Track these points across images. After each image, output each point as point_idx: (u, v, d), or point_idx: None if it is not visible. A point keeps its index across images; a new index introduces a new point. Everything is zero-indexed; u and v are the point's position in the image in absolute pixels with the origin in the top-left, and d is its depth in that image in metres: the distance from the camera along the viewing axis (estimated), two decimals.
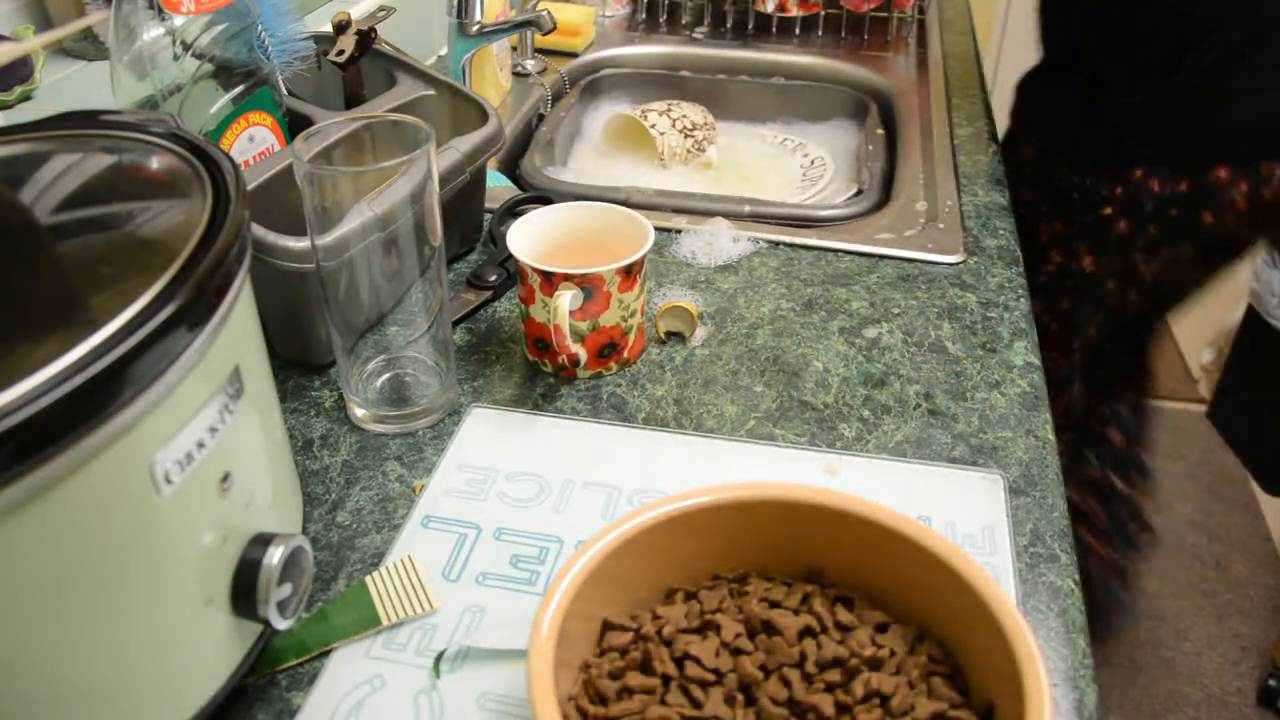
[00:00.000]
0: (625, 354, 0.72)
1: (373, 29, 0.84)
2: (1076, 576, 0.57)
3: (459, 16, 1.05)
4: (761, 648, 0.46)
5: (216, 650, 0.44)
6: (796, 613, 0.47)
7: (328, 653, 0.52)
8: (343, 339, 0.64)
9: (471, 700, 0.49)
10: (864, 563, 0.49)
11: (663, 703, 0.44)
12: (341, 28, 0.83)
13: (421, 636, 0.53)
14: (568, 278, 0.66)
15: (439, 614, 0.54)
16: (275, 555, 0.44)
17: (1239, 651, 1.68)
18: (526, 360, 0.73)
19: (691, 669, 0.44)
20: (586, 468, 0.64)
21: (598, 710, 0.43)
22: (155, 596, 0.40)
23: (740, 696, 0.44)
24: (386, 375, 0.68)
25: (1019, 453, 0.65)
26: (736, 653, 0.46)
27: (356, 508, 0.61)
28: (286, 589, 0.46)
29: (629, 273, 0.68)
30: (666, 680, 0.45)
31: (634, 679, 0.45)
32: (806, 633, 0.46)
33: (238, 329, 0.43)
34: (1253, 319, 2.04)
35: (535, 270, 0.67)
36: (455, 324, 0.77)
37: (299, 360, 0.72)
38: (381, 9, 0.88)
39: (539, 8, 1.07)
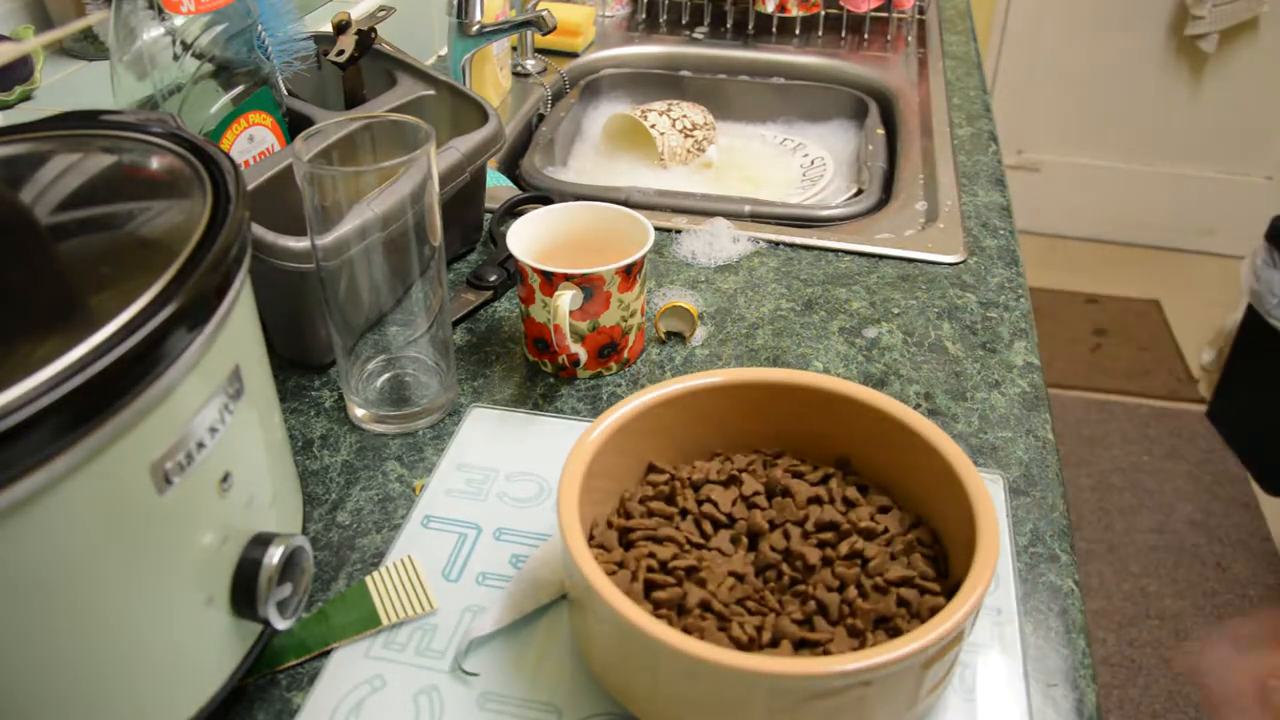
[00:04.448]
0: (625, 354, 0.72)
1: (373, 29, 0.84)
2: (1077, 576, 0.57)
3: (459, 16, 1.05)
4: (775, 507, 0.53)
5: (216, 650, 0.44)
6: (814, 486, 0.54)
7: (328, 653, 0.52)
8: (343, 339, 0.64)
9: (472, 700, 0.49)
10: (882, 454, 0.55)
11: (675, 529, 0.52)
12: (341, 28, 0.83)
13: (422, 636, 0.53)
14: (568, 278, 0.66)
15: (439, 614, 0.54)
16: (275, 555, 0.44)
17: None
18: (526, 360, 0.73)
19: (709, 509, 0.52)
20: None
21: (620, 522, 0.52)
22: (155, 596, 0.40)
23: (745, 541, 0.51)
24: (386, 375, 0.68)
25: (1019, 453, 0.65)
26: (752, 507, 0.53)
27: (356, 508, 0.61)
28: (286, 589, 0.46)
29: (629, 273, 0.67)
30: (685, 514, 0.53)
31: (656, 506, 0.53)
32: (815, 500, 0.53)
33: (238, 329, 0.43)
34: (1253, 319, 2.04)
35: (535, 270, 0.67)
36: (455, 324, 0.77)
37: (299, 360, 0.72)
38: (381, 9, 0.88)
39: (539, 8, 1.07)
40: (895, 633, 0.46)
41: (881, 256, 0.87)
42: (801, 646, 0.46)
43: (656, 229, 0.84)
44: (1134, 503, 1.97)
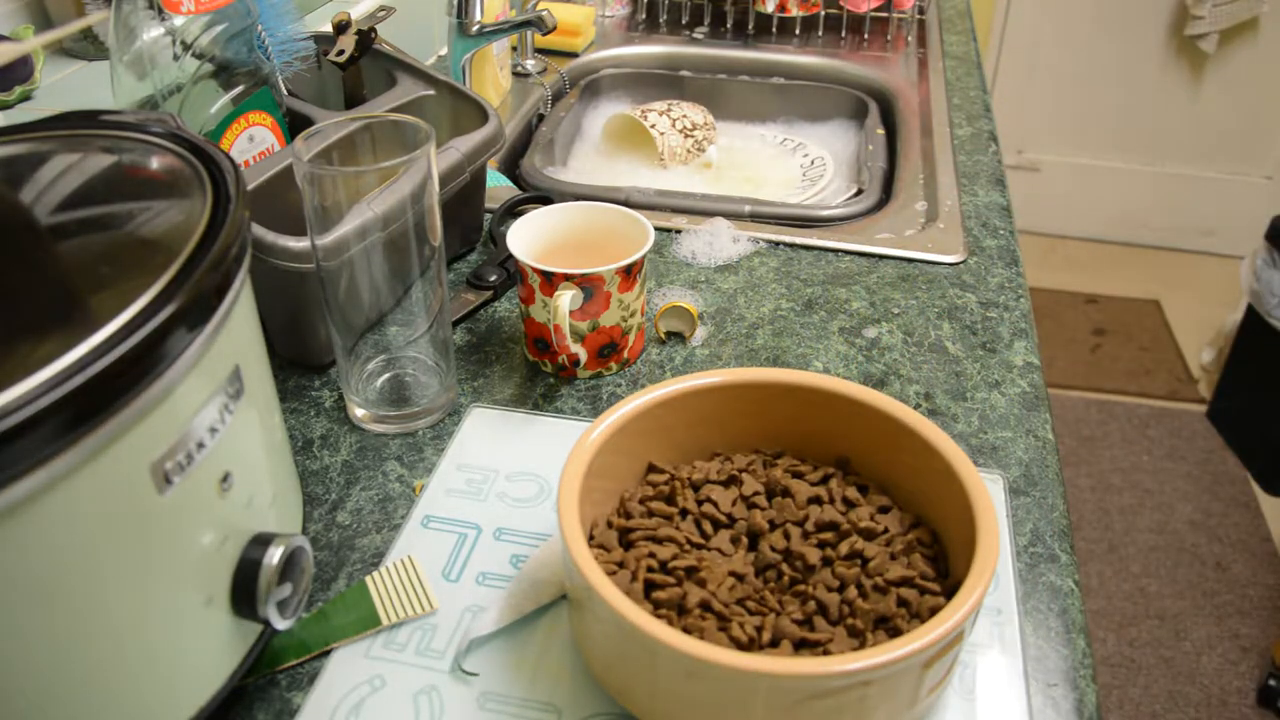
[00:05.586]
0: (625, 354, 0.72)
1: (373, 29, 0.84)
2: (1076, 576, 0.57)
3: (459, 16, 1.05)
4: (775, 507, 0.53)
5: (216, 650, 0.44)
6: (814, 486, 0.55)
7: (328, 653, 0.52)
8: (343, 339, 0.64)
9: (472, 700, 0.49)
10: (882, 455, 0.55)
11: (676, 529, 0.52)
12: (341, 28, 0.83)
13: (421, 636, 0.53)
14: (568, 278, 0.66)
15: (439, 614, 0.54)
16: (275, 555, 0.44)
17: (1239, 651, 1.68)
18: (526, 360, 0.73)
19: (709, 509, 0.53)
20: None
21: (620, 522, 0.53)
22: (155, 596, 0.40)
23: (745, 541, 0.52)
24: (386, 375, 0.68)
25: (1019, 453, 0.65)
26: (752, 507, 0.53)
27: (356, 508, 0.61)
28: (286, 589, 0.46)
29: (629, 273, 0.67)
30: (685, 514, 0.53)
31: (656, 506, 0.53)
32: (815, 501, 0.53)
33: (238, 329, 0.43)
34: (1253, 319, 2.04)
35: (535, 270, 0.67)
36: (455, 324, 0.77)
37: (299, 360, 0.72)
38: (381, 9, 0.88)
39: (539, 8, 1.07)
40: (895, 633, 0.46)
41: (881, 256, 0.87)
42: (801, 646, 0.46)
43: (656, 229, 0.84)
44: (1134, 503, 1.97)
